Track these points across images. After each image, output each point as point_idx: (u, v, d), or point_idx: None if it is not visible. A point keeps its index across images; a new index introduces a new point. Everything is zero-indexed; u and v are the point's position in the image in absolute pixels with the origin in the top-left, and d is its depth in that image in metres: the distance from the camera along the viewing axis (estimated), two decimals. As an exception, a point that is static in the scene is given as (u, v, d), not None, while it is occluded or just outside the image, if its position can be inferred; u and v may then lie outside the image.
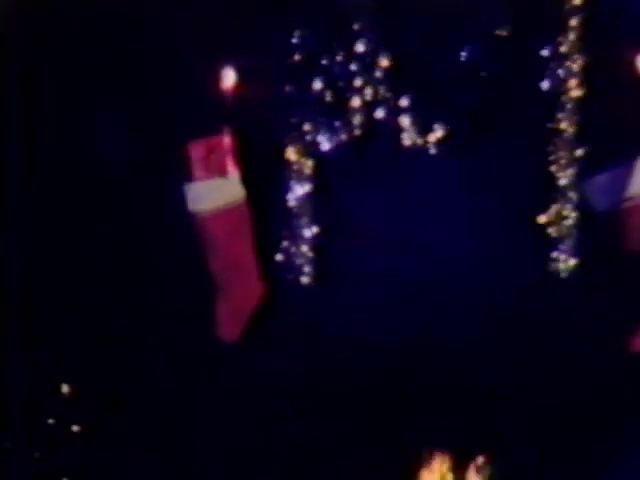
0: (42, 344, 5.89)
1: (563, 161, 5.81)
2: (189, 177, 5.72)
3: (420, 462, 6.22)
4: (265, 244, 5.88)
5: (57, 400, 5.89)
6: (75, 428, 5.85)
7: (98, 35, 5.80)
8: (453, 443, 6.09)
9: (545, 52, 5.68)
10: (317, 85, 5.84)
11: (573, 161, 5.81)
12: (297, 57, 5.79)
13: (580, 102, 5.73)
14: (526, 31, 5.69)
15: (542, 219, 5.86)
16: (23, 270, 5.85)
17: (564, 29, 5.64)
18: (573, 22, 5.60)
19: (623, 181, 5.73)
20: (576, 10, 5.58)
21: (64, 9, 5.75)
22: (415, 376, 5.94)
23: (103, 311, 5.82)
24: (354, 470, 6.12)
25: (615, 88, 5.66)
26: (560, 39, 5.67)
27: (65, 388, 5.82)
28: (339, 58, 5.80)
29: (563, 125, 5.76)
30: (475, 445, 6.09)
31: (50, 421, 5.86)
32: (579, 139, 5.77)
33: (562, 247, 5.86)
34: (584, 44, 5.65)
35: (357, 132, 5.91)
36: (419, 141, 5.92)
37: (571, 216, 5.84)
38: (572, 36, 5.61)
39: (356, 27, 5.74)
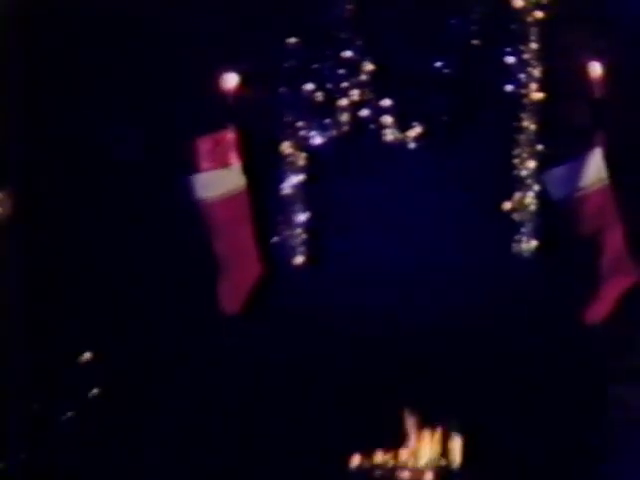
0: (55, 316, 6.60)
1: (525, 155, 6.65)
2: (197, 168, 6.47)
3: (402, 426, 7.05)
4: (263, 227, 6.62)
5: (72, 368, 6.62)
6: (93, 392, 6.60)
7: (113, 39, 6.57)
8: (430, 408, 6.92)
9: (510, 60, 6.56)
10: (309, 87, 6.69)
11: (533, 155, 6.64)
12: (291, 63, 6.66)
13: (540, 104, 6.57)
14: (493, 42, 6.56)
15: (507, 206, 6.68)
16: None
17: (526, 40, 6.51)
18: (534, 34, 6.48)
19: (577, 173, 6.50)
20: (537, 24, 6.47)
21: (80, 11, 6.53)
22: (397, 343, 6.71)
23: (121, 288, 6.58)
24: (343, 434, 6.87)
25: (570, 92, 6.51)
26: (523, 48, 6.54)
27: (84, 356, 6.59)
28: (328, 64, 6.67)
29: (525, 124, 6.61)
30: (451, 409, 6.93)
31: (66, 387, 6.62)
32: (539, 136, 6.59)
33: (524, 230, 6.66)
34: (543, 53, 6.51)
35: (345, 129, 6.76)
36: (399, 137, 6.77)
37: (532, 203, 6.65)
38: (533, 46, 6.49)
39: (343, 36, 6.62)
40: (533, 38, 6.59)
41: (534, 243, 6.69)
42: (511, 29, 6.57)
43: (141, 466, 6.78)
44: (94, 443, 6.79)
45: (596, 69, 6.43)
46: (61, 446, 6.65)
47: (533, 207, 6.73)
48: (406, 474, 7.30)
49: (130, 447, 6.82)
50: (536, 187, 6.71)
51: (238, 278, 6.65)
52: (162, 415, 6.86)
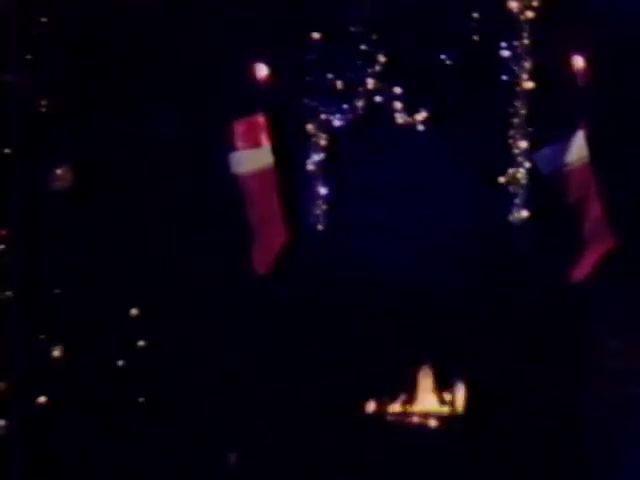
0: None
1: (517, 136, 7.47)
2: (233, 147, 7.28)
3: (411, 377, 7.95)
4: (289, 199, 7.39)
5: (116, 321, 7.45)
6: (140, 343, 7.46)
7: (162, 31, 7.37)
8: (437, 360, 7.83)
9: (505, 54, 7.41)
10: (329, 76, 7.55)
11: (525, 136, 7.47)
12: (314, 55, 7.54)
13: (530, 92, 7.40)
14: (491, 38, 7.40)
15: (502, 180, 7.53)
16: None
17: (519, 37, 7.35)
18: (525, 32, 7.32)
19: (562, 152, 7.24)
20: (528, 22, 7.31)
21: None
22: (407, 300, 7.58)
23: (168, 250, 7.46)
24: (359, 383, 7.76)
25: (556, 82, 7.29)
26: (516, 44, 7.39)
27: (133, 310, 7.49)
28: (347, 56, 7.53)
29: (517, 109, 7.44)
30: (454, 360, 7.84)
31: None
32: (529, 120, 7.43)
33: (517, 201, 7.49)
34: (534, 48, 7.34)
35: (361, 113, 7.61)
36: (408, 120, 7.63)
37: (524, 178, 7.50)
38: (525, 42, 7.33)
39: (360, 32, 7.50)
40: (525, 35, 7.40)
41: (526, 212, 7.52)
42: (506, 27, 7.39)
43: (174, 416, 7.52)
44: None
45: (579, 62, 7.17)
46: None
47: (525, 181, 7.54)
48: (414, 420, 8.17)
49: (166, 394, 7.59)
50: (527, 164, 7.52)
51: (267, 242, 7.37)
52: (197, 365, 7.59)
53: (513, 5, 7.37)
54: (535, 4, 7.33)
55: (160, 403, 7.58)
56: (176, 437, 7.52)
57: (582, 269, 7.31)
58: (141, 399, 7.54)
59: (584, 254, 7.41)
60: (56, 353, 7.06)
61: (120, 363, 7.49)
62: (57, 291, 7.23)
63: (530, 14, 7.33)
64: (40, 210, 7.20)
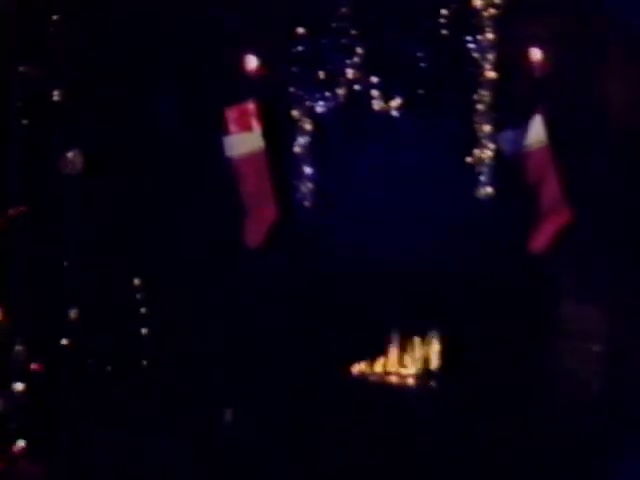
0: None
1: (483, 121, 7.91)
2: (226, 132, 7.83)
3: (392, 339, 8.52)
4: (278, 179, 7.93)
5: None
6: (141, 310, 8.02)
7: (159, 25, 7.88)
8: (413, 325, 8.43)
9: (471, 46, 7.86)
10: (313, 67, 8.01)
11: (489, 121, 7.92)
12: (300, 48, 8.00)
13: (493, 81, 7.87)
14: (458, 33, 7.86)
15: (469, 160, 7.98)
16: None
17: (483, 32, 7.82)
18: (489, 27, 7.81)
19: (522, 135, 7.74)
20: (491, 19, 7.81)
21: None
22: (386, 269, 8.14)
23: (164, 226, 7.99)
24: (345, 346, 8.27)
25: (517, 72, 7.80)
26: (480, 38, 7.85)
27: (137, 281, 8.05)
28: (329, 49, 8.00)
29: (482, 97, 7.89)
30: (430, 324, 8.47)
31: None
32: (493, 106, 7.89)
33: (482, 179, 7.96)
34: (496, 42, 7.82)
35: (342, 100, 8.09)
36: (384, 106, 8.10)
37: (488, 158, 7.94)
38: (488, 36, 7.82)
39: (341, 28, 7.97)
40: (488, 30, 7.82)
41: (490, 189, 7.98)
42: (471, 23, 7.84)
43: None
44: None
45: (537, 54, 7.72)
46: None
47: (489, 161, 7.96)
48: (394, 378, 8.70)
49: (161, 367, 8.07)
50: (491, 146, 7.93)
51: (259, 219, 7.87)
52: (195, 333, 8.11)
53: (477, 3, 7.82)
54: (497, 2, 7.76)
55: (160, 366, 8.07)
56: (174, 396, 8.00)
57: (541, 240, 7.79)
58: (144, 362, 8.01)
59: (543, 226, 7.79)
60: (72, 315, 7.55)
61: (124, 328, 7.99)
62: (67, 264, 7.76)
63: (493, 11, 7.79)
64: (53, 190, 7.76)
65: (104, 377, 7.88)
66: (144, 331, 8.10)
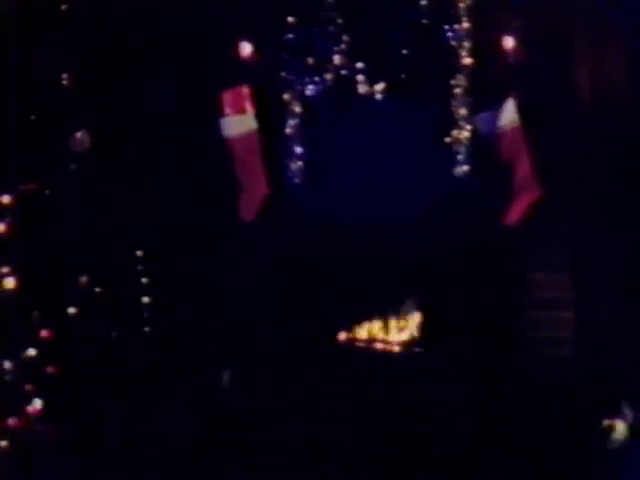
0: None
1: (460, 104, 8.34)
2: (222, 114, 8.24)
3: (378, 309, 8.88)
4: (270, 157, 8.36)
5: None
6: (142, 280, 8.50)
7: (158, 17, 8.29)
8: (397, 293, 8.81)
9: (449, 34, 8.28)
10: (303, 53, 8.42)
11: (466, 104, 8.34)
12: (290, 36, 8.42)
13: (470, 67, 8.28)
14: (437, 22, 8.28)
15: (447, 140, 8.39)
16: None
17: (460, 21, 8.24)
18: (465, 17, 8.23)
19: (496, 117, 8.17)
20: (467, 9, 8.24)
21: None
22: (372, 242, 8.56)
23: (170, 201, 8.42)
24: (334, 314, 8.68)
25: (491, 58, 8.21)
26: (457, 27, 8.27)
27: (140, 252, 8.47)
28: (317, 37, 8.41)
29: (459, 81, 8.31)
30: (411, 293, 8.84)
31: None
32: (469, 90, 8.31)
33: (460, 158, 8.40)
34: (472, 31, 8.24)
35: (329, 84, 8.50)
36: (369, 90, 8.52)
37: (465, 138, 8.36)
38: (465, 25, 8.24)
39: (328, 17, 8.40)
40: (465, 20, 8.23)
41: (467, 167, 8.39)
42: (449, 13, 8.25)
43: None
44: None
45: (509, 42, 8.14)
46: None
47: (466, 141, 8.37)
48: (379, 345, 9.09)
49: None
50: (468, 127, 8.34)
51: (252, 194, 8.30)
52: (192, 299, 8.53)
53: None
54: None
55: (160, 334, 8.52)
56: (175, 362, 8.42)
57: (514, 214, 8.23)
58: (146, 329, 8.49)
59: (515, 202, 8.19)
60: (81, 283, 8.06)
61: (127, 296, 8.45)
62: (76, 237, 8.23)
63: (469, 2, 8.23)
64: (62, 167, 8.25)
65: (109, 343, 8.36)
66: (146, 299, 8.63)
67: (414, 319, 9.11)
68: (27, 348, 7.57)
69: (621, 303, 8.43)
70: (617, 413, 7.45)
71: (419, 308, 9.06)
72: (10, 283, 7.57)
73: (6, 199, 7.73)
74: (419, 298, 9.00)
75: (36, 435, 7.58)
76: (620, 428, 7.54)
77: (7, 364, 7.45)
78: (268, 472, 7.72)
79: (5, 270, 7.58)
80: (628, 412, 7.57)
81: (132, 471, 7.70)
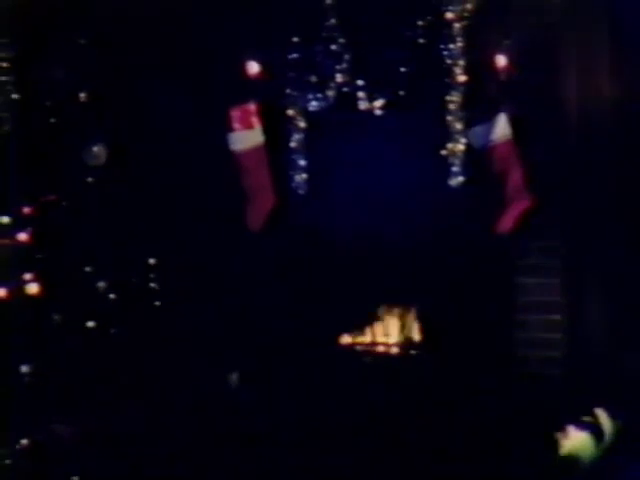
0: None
1: (455, 119, 8.53)
2: (230, 129, 8.69)
3: (377, 313, 9.19)
4: (277, 170, 8.77)
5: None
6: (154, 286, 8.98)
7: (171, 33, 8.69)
8: (395, 298, 9.17)
9: (444, 53, 8.53)
10: (307, 71, 8.73)
11: (461, 119, 8.53)
12: (295, 55, 8.75)
13: (464, 84, 8.47)
14: (433, 41, 8.58)
15: (443, 152, 8.46)
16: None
17: (454, 41, 8.50)
18: (460, 36, 8.49)
19: (489, 131, 8.39)
20: (462, 29, 8.51)
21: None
22: (372, 250, 8.92)
23: (180, 211, 8.89)
24: (336, 318, 9.00)
25: (484, 76, 8.51)
26: (452, 47, 8.54)
27: (152, 262, 8.93)
28: (320, 55, 8.72)
29: (454, 97, 8.54)
30: (408, 298, 9.20)
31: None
32: (463, 106, 8.53)
33: (455, 169, 8.48)
34: (466, 50, 8.53)
35: (332, 100, 8.79)
36: (369, 106, 8.78)
37: (460, 151, 8.42)
38: (459, 45, 8.52)
39: (331, 36, 8.70)
40: (459, 39, 8.44)
41: (462, 178, 8.51)
42: (444, 33, 8.49)
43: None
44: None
45: (502, 61, 8.46)
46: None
47: (461, 154, 8.51)
48: (380, 348, 9.34)
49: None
50: (463, 140, 8.44)
51: (259, 205, 8.59)
52: (202, 304, 8.92)
53: (450, 15, 8.52)
54: (467, 15, 8.47)
55: (166, 336, 8.87)
56: (184, 366, 8.81)
57: (505, 223, 8.42)
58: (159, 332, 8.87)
59: (507, 211, 8.43)
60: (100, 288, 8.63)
61: (140, 301, 8.89)
62: (93, 245, 8.78)
63: (463, 23, 8.51)
64: (80, 180, 8.77)
65: (124, 346, 8.78)
66: (157, 304, 9.12)
67: (411, 321, 9.40)
68: (49, 350, 8.07)
69: (609, 306, 8.78)
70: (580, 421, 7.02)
71: (416, 311, 9.37)
72: (33, 288, 8.08)
73: (27, 210, 8.28)
74: (417, 301, 9.32)
75: (55, 434, 8.03)
76: (579, 441, 6.89)
77: (24, 368, 7.92)
78: (271, 469, 8.03)
79: (28, 277, 8.10)
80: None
81: (146, 468, 8.05)
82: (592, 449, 6.66)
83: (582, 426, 6.75)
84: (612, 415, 6.91)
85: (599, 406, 7.24)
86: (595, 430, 6.69)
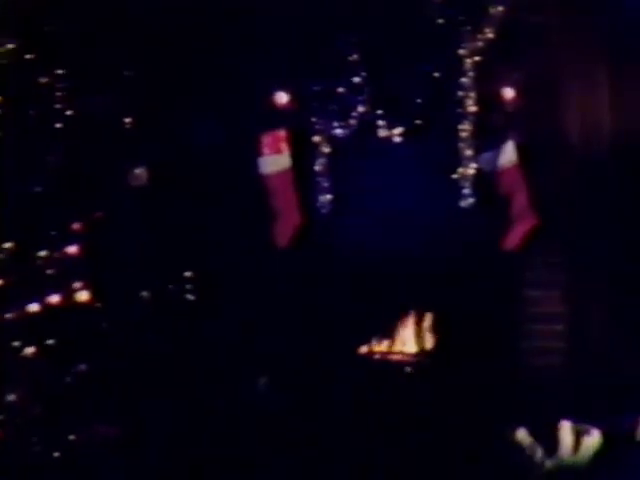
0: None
1: (466, 146, 9.19)
2: (261, 154, 9.26)
3: (394, 324, 9.66)
4: (303, 191, 9.32)
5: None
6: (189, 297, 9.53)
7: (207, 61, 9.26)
8: (411, 309, 9.75)
9: (456, 86, 9.21)
10: (332, 101, 9.39)
11: (471, 146, 9.10)
12: (319, 86, 9.42)
13: (474, 114, 9.16)
14: (447, 75, 9.29)
15: (455, 176, 9.11)
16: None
17: (465, 75, 9.20)
18: (471, 71, 9.18)
19: (498, 156, 8.97)
20: (473, 64, 9.21)
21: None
22: (390, 264, 9.47)
23: (214, 230, 9.35)
24: (355, 329, 9.51)
25: (493, 106, 9.24)
26: (464, 80, 9.24)
27: (188, 274, 9.43)
28: (343, 86, 9.39)
29: (465, 126, 9.10)
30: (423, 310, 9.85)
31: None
32: (474, 134, 9.08)
33: (465, 192, 9.13)
34: (477, 83, 9.22)
35: (354, 128, 9.38)
36: (388, 134, 9.25)
37: (471, 175, 9.09)
38: (470, 78, 9.21)
39: (353, 69, 9.35)
40: (470, 73, 9.09)
41: (472, 200, 9.15)
42: (457, 67, 9.17)
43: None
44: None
45: (509, 93, 9.05)
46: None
47: (471, 177, 9.13)
48: (396, 357, 9.72)
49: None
50: (473, 165, 9.10)
51: (286, 224, 9.07)
52: (232, 316, 9.39)
53: (462, 52, 9.15)
54: (477, 51, 9.20)
55: (193, 345, 9.28)
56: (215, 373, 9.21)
57: (511, 241, 9.04)
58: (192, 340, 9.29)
59: (513, 230, 9.04)
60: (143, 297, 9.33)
61: (177, 311, 9.38)
62: (136, 258, 9.32)
63: (474, 59, 9.22)
64: (124, 199, 9.37)
65: (163, 350, 9.25)
66: (192, 312, 9.61)
67: (427, 331, 9.89)
68: (98, 353, 8.52)
69: (609, 316, 9.48)
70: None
71: (430, 321, 9.84)
72: (83, 296, 8.79)
73: (77, 226, 8.90)
74: (430, 312, 9.82)
75: (96, 435, 8.35)
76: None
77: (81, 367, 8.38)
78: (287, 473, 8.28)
79: (78, 285, 8.79)
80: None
81: (177, 470, 8.32)
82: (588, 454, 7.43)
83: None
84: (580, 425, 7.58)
85: (599, 410, 8.17)
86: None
